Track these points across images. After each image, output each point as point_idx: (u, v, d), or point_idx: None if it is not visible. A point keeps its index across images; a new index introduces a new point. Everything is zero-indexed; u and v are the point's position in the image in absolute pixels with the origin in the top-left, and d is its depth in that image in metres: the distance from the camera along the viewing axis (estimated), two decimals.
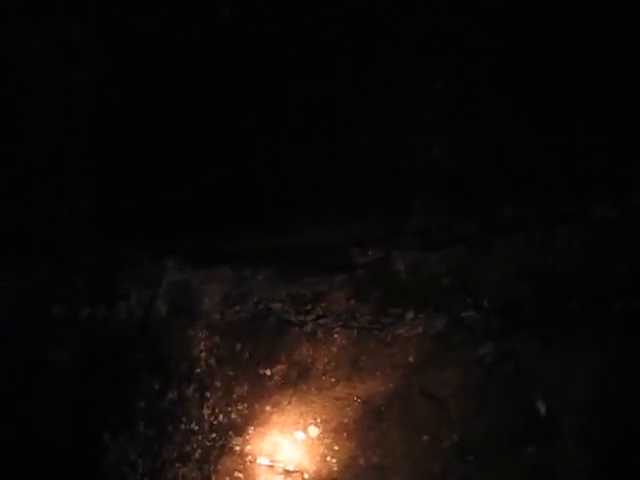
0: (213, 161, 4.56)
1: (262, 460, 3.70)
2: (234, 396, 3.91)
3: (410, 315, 3.58)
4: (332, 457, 3.54)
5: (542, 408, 3.19)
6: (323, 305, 3.87)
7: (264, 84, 4.11)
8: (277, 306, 4.00)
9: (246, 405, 3.88)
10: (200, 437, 4.03)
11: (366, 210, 3.83)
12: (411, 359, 3.45)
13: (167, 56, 4.56)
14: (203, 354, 4.11)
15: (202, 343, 4.16)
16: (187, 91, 4.46)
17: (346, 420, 3.55)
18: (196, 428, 4.02)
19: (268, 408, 3.77)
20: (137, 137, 4.87)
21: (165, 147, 4.82)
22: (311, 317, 3.88)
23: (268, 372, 3.82)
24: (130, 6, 4.53)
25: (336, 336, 3.69)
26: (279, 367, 3.81)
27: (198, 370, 4.09)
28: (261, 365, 3.87)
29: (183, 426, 4.09)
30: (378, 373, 3.51)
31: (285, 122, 4.14)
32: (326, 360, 3.69)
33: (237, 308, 4.12)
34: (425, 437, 3.37)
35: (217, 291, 4.28)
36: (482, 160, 3.47)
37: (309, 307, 3.91)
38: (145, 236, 4.84)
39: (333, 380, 3.61)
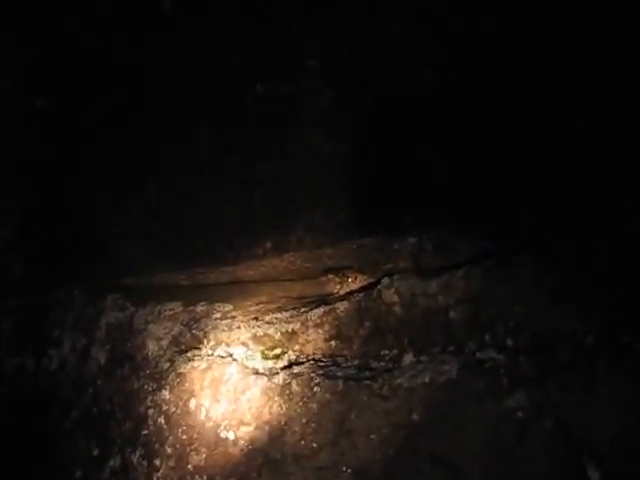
0: (161, 184, 3.18)
1: None
2: (189, 466, 2.61)
3: (409, 358, 2.35)
4: None
5: (595, 476, 1.97)
6: (296, 348, 2.62)
7: None
8: (239, 351, 2.72)
9: (205, 477, 2.56)
10: None
11: (345, 229, 2.58)
12: (416, 417, 2.23)
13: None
14: (150, 412, 2.83)
15: (149, 398, 2.86)
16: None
17: None
18: None
19: None
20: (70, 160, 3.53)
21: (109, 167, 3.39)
22: (282, 364, 2.62)
23: (231, 435, 2.54)
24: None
25: (316, 389, 2.44)
26: (245, 429, 2.53)
27: (145, 432, 2.82)
28: (222, 426, 2.57)
29: None
30: (373, 436, 2.27)
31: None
32: (304, 420, 2.42)
33: (190, 354, 2.82)
34: None
35: (165, 333, 2.99)
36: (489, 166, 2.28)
37: (278, 351, 2.65)
38: (79, 272, 3.82)
39: (314, 445, 2.37)
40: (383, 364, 2.60)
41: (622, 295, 2.32)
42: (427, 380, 2.45)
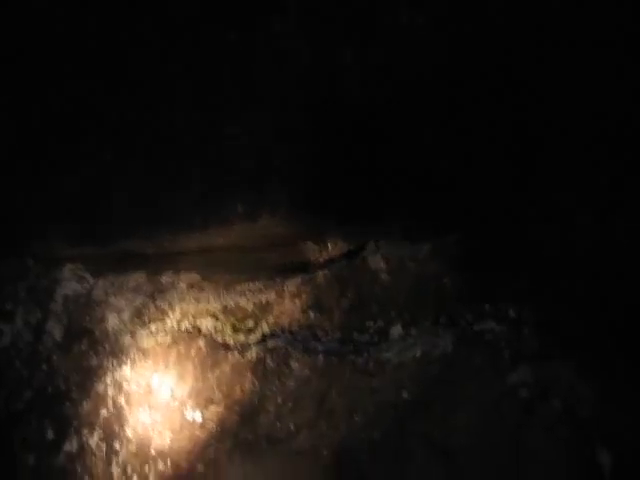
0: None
1: None
2: (152, 450, 2.20)
3: (397, 330, 1.98)
4: None
5: (607, 460, 1.63)
6: (270, 320, 2.23)
7: None
8: (207, 324, 2.32)
9: (169, 462, 2.18)
10: None
11: (325, 191, 2.20)
12: (405, 395, 1.84)
13: None
14: (110, 391, 2.40)
15: (108, 376, 2.43)
16: None
17: None
18: None
19: (200, 468, 2.09)
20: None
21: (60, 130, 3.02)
22: (255, 338, 2.23)
23: (198, 416, 2.15)
24: None
25: (293, 364, 2.05)
26: (213, 409, 2.13)
27: (104, 413, 2.41)
28: (188, 406, 2.17)
29: None
30: (357, 416, 1.89)
31: None
32: (280, 399, 2.03)
33: (153, 328, 2.42)
34: None
35: (127, 305, 2.57)
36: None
37: (251, 324, 2.27)
38: (33, 240, 3.39)
39: (291, 427, 2.00)
40: (368, 337, 2.23)
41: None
42: (418, 355, 2.08)
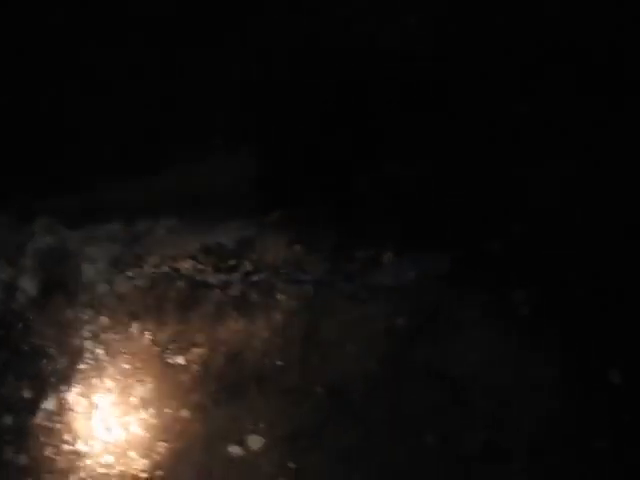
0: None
1: None
2: (134, 399, 1.98)
3: (389, 258, 1.76)
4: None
5: (616, 376, 1.45)
6: (253, 257, 2.01)
7: None
8: (187, 265, 2.10)
9: (152, 410, 1.99)
10: (89, 462, 2.06)
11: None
12: (402, 321, 1.61)
13: None
14: (88, 343, 2.29)
15: (86, 327, 2.26)
16: None
17: (304, 423, 1.70)
18: (84, 450, 2.20)
19: (185, 414, 1.88)
20: None
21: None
22: (237, 275, 2.01)
23: (181, 360, 1.96)
24: None
25: (279, 296, 1.82)
26: (196, 351, 1.94)
27: (82, 366, 2.19)
28: (170, 351, 1.95)
29: (65, 447, 2.07)
30: (350, 347, 1.66)
31: None
32: (267, 335, 1.82)
33: (131, 273, 2.20)
34: (430, 438, 1.56)
35: (103, 254, 2.36)
36: None
37: (233, 262, 2.04)
38: (1, 194, 3.08)
39: (280, 364, 1.75)
40: (358, 266, 2.01)
41: None
42: (413, 277, 1.87)
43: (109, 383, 2.48)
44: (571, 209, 1.93)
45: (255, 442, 2.12)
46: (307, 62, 2.29)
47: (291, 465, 2.02)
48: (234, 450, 2.12)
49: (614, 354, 1.77)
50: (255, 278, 2.17)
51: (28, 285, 2.96)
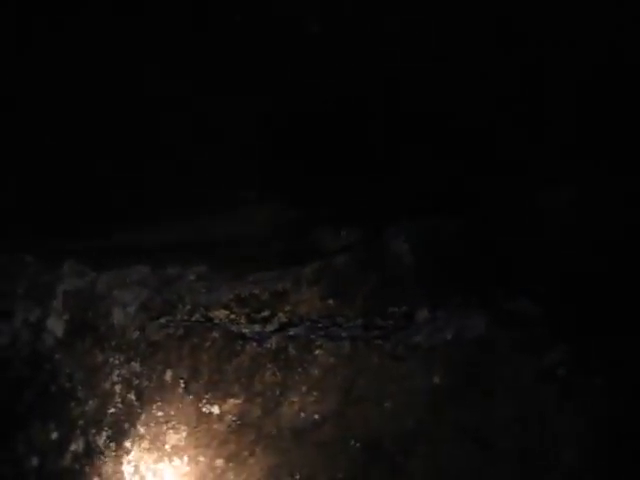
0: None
1: None
2: (167, 446, 2.03)
3: (424, 314, 1.82)
4: None
5: None
6: (288, 309, 2.07)
7: None
8: (220, 314, 2.16)
9: (186, 459, 2.01)
10: None
11: (339, 173, 2.06)
12: (437, 380, 1.68)
13: None
14: (118, 387, 2.23)
15: (116, 372, 2.28)
16: None
17: (340, 475, 1.76)
18: None
19: (220, 463, 1.93)
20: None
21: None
22: (272, 327, 2.06)
23: (216, 410, 1.98)
24: None
25: (317, 352, 1.89)
26: (232, 402, 1.98)
27: (112, 410, 2.23)
28: (205, 400, 2.00)
29: None
30: (387, 404, 1.74)
31: None
32: (304, 388, 1.88)
33: (163, 320, 2.25)
34: None
35: (133, 299, 2.40)
36: None
37: (267, 313, 2.09)
38: (30, 236, 3.24)
39: (317, 417, 1.83)
40: (392, 322, 2.07)
41: None
42: (450, 338, 1.93)
43: (141, 429, 2.49)
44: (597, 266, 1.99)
45: None
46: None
47: None
48: None
49: None
50: (292, 332, 2.22)
51: (56, 327, 2.99)
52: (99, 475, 2.66)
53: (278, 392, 2.21)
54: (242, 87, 2.60)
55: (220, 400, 2.34)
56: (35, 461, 2.90)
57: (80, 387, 2.84)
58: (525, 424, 1.90)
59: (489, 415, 1.94)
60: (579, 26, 2.06)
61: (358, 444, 2.05)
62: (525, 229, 2.00)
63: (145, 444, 2.50)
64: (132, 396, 2.59)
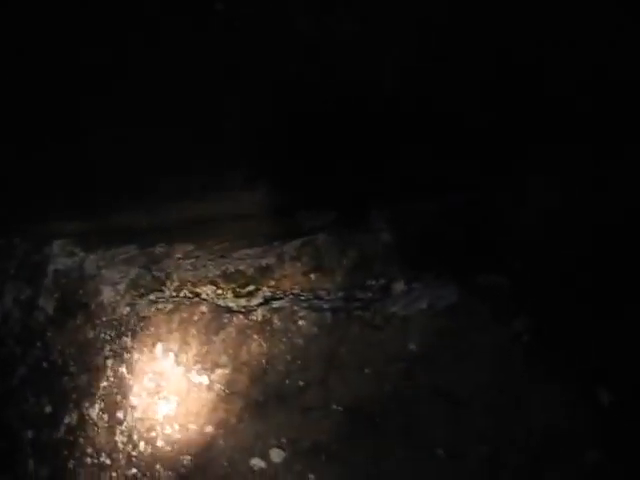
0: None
1: None
2: (158, 415, 2.17)
3: (400, 286, 1.97)
4: None
5: (605, 396, 1.68)
6: (272, 283, 2.20)
7: None
8: (208, 290, 2.28)
9: (177, 427, 2.16)
10: (114, 474, 2.25)
11: (321, 160, 2.18)
12: (413, 347, 1.84)
13: None
14: (110, 362, 2.38)
15: (107, 347, 2.41)
16: None
17: (324, 438, 1.91)
18: (107, 463, 2.21)
19: (210, 429, 2.08)
20: None
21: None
22: (257, 301, 2.19)
23: (205, 379, 2.12)
24: None
25: (301, 322, 2.03)
26: (220, 372, 2.12)
27: (104, 384, 2.36)
28: (194, 371, 2.15)
29: (89, 461, 2.29)
30: (367, 369, 1.90)
31: None
32: (289, 357, 2.04)
33: (152, 297, 2.36)
34: (440, 452, 1.78)
35: (122, 277, 2.50)
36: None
37: (252, 288, 2.22)
38: (18, 218, 3.38)
39: (301, 384, 1.99)
40: (371, 294, 2.21)
41: None
42: (425, 307, 2.08)
43: (133, 400, 2.61)
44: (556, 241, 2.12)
45: (277, 456, 2.29)
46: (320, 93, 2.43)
47: (311, 477, 2.20)
48: (257, 463, 2.29)
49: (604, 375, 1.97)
50: (276, 304, 2.34)
51: (47, 305, 3.08)
52: (93, 445, 2.77)
53: (264, 361, 2.34)
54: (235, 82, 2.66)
55: (209, 370, 2.46)
56: (30, 434, 3.00)
57: (72, 362, 2.93)
58: (495, 385, 2.04)
59: (461, 378, 2.08)
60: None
61: (340, 408, 2.19)
62: (495, 209, 2.12)
63: (137, 414, 2.61)
64: (123, 369, 2.70)
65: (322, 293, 2.36)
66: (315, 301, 2.31)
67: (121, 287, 2.87)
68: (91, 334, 2.88)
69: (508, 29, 2.20)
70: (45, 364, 2.99)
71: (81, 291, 2.99)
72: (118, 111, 2.89)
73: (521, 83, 2.11)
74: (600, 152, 2.11)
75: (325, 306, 2.26)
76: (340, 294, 2.33)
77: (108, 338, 2.79)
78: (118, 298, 2.84)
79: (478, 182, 2.16)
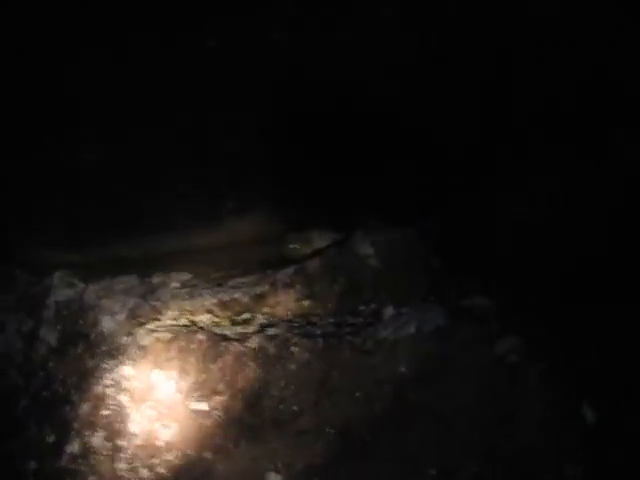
0: None
1: None
2: (159, 442, 2.22)
3: (389, 311, 2.05)
4: None
5: (589, 414, 1.76)
6: (266, 311, 2.28)
7: None
8: (204, 318, 2.35)
9: (177, 453, 2.20)
10: None
11: (308, 185, 2.27)
12: (403, 369, 1.92)
13: None
14: (111, 390, 2.39)
15: (108, 376, 2.43)
16: None
17: (318, 460, 1.97)
18: None
19: (208, 455, 2.13)
20: None
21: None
22: (253, 328, 2.27)
23: (204, 406, 2.18)
24: None
25: (294, 349, 2.11)
26: (217, 399, 2.18)
27: (105, 412, 2.38)
28: (193, 398, 2.20)
29: None
30: (358, 393, 1.96)
31: None
32: (283, 383, 2.10)
33: (151, 326, 2.43)
34: (432, 471, 1.86)
35: (121, 307, 2.56)
36: None
37: (247, 315, 2.30)
38: (18, 250, 3.34)
39: (295, 409, 2.06)
40: (362, 319, 2.30)
41: None
42: (413, 331, 2.17)
43: (134, 428, 2.67)
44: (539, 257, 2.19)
45: (274, 479, 2.36)
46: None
47: None
48: None
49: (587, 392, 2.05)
50: (271, 332, 2.43)
51: (49, 336, 3.13)
52: (96, 473, 2.83)
53: (259, 387, 2.42)
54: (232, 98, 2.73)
55: (207, 397, 2.54)
56: (33, 464, 3.06)
57: (73, 391, 2.99)
58: (481, 404, 2.12)
59: (448, 397, 2.16)
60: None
61: (333, 430, 2.26)
62: (478, 232, 2.21)
63: (137, 441, 2.68)
64: (124, 397, 2.76)
65: (314, 319, 2.45)
66: (308, 327, 2.39)
67: (120, 317, 2.94)
68: (92, 363, 2.94)
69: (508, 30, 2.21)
70: (47, 394, 3.04)
71: (81, 322, 3.05)
72: (111, 142, 2.95)
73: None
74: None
75: (317, 332, 2.34)
76: (332, 320, 2.41)
77: (108, 367, 2.85)
78: (118, 328, 2.90)
79: (456, 200, 2.23)
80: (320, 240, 2.61)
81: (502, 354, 2.04)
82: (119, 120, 2.89)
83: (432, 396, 2.12)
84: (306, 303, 2.47)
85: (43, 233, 3.25)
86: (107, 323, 2.89)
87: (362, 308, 2.31)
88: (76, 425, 2.81)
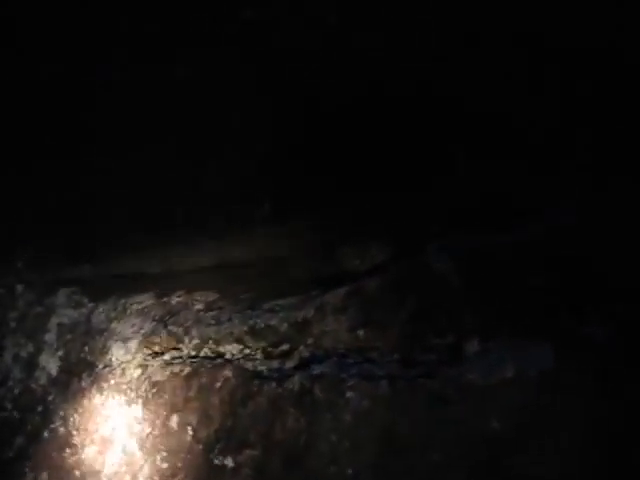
0: None
1: None
2: None
3: (474, 347, 1.43)
4: None
5: None
6: (310, 342, 1.69)
7: None
8: (233, 349, 1.76)
9: None
10: None
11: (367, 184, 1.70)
12: (496, 425, 1.25)
13: None
14: (119, 433, 1.82)
15: (115, 416, 1.87)
16: None
17: None
18: None
19: None
20: None
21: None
22: (294, 363, 1.67)
23: (229, 462, 1.55)
24: None
25: (349, 394, 1.48)
26: (248, 453, 1.56)
27: (112, 461, 1.83)
28: (216, 450, 1.59)
29: None
30: (435, 455, 1.30)
31: None
32: (335, 437, 1.46)
33: (167, 357, 1.86)
34: None
35: (134, 332, 2.03)
36: None
37: (286, 347, 1.71)
38: (22, 264, 3.06)
39: (350, 471, 1.38)
40: (436, 356, 1.68)
41: None
42: (511, 375, 1.54)
43: None
44: None
45: None
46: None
47: None
48: None
49: None
50: (317, 370, 1.82)
51: (49, 364, 2.63)
52: None
53: (303, 441, 1.81)
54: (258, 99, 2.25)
55: (234, 451, 1.94)
56: None
57: (76, 432, 2.45)
58: (602, 476, 1.48)
59: (557, 467, 1.53)
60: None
61: None
62: (595, 239, 1.60)
63: None
64: (133, 444, 2.19)
65: (374, 355, 1.85)
66: (366, 365, 1.79)
67: (132, 344, 2.40)
68: (98, 400, 2.40)
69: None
70: (46, 433, 2.51)
71: (87, 348, 2.51)
72: (129, 147, 2.48)
73: None
74: None
75: (378, 372, 1.74)
76: (397, 356, 1.81)
77: (117, 405, 2.30)
78: (129, 357, 2.36)
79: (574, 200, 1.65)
80: (381, 253, 2.00)
81: (630, 402, 1.39)
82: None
83: (535, 461, 1.48)
84: (363, 333, 1.86)
85: (50, 245, 2.76)
86: (117, 351, 2.35)
87: (437, 341, 1.69)
88: (77, 473, 2.26)
